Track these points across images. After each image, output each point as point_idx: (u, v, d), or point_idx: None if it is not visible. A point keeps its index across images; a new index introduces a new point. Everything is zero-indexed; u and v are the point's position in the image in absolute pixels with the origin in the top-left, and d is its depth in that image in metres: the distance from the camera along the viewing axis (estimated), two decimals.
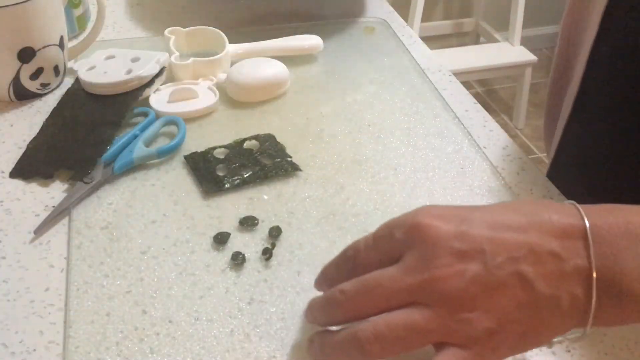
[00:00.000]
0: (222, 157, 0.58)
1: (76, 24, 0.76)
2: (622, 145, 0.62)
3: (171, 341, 0.43)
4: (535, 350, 0.43)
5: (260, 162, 0.57)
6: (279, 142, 0.60)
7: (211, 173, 0.56)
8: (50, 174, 0.56)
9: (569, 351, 0.43)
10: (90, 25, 0.76)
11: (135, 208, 0.53)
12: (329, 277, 0.42)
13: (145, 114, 0.62)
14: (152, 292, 0.46)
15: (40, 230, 0.50)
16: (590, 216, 0.36)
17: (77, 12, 0.76)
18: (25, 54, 0.62)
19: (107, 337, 0.43)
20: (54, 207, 0.53)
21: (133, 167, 0.57)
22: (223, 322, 0.44)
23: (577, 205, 0.37)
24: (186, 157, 0.58)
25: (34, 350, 0.42)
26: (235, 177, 0.55)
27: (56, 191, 0.55)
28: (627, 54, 0.60)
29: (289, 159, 0.58)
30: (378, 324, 0.36)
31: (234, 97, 0.66)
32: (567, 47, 0.68)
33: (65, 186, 0.55)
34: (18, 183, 0.56)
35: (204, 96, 0.65)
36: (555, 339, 0.38)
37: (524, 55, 2.23)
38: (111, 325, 0.44)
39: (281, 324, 0.44)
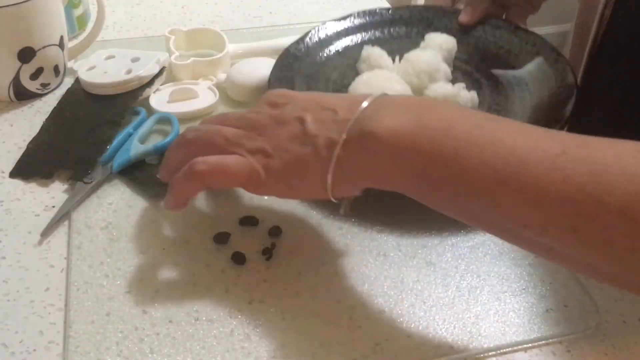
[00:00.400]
0: (156, 162, 0.57)
1: (76, 24, 0.76)
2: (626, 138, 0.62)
3: (171, 341, 0.43)
4: (535, 350, 0.43)
5: None
6: None
7: (152, 178, 0.55)
8: (50, 173, 0.56)
9: (569, 351, 0.43)
10: (90, 25, 0.76)
11: (135, 208, 0.53)
12: None
13: (137, 113, 0.62)
14: (152, 292, 0.46)
15: (46, 232, 0.50)
16: (380, 96, 0.43)
17: (77, 12, 0.76)
18: (25, 54, 0.63)
19: (107, 337, 0.43)
20: (54, 207, 0.53)
21: (133, 168, 0.57)
22: (223, 322, 0.44)
23: (384, 93, 0.44)
24: (120, 171, 0.56)
25: (34, 350, 0.42)
26: None
27: (56, 191, 0.55)
28: (630, 53, 0.60)
29: None
30: (201, 128, 0.48)
31: (234, 97, 0.66)
32: (578, 50, 0.68)
33: (65, 186, 0.55)
34: (18, 183, 0.56)
35: (204, 96, 0.65)
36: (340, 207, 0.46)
37: None
38: (111, 325, 0.44)
39: (281, 324, 0.44)
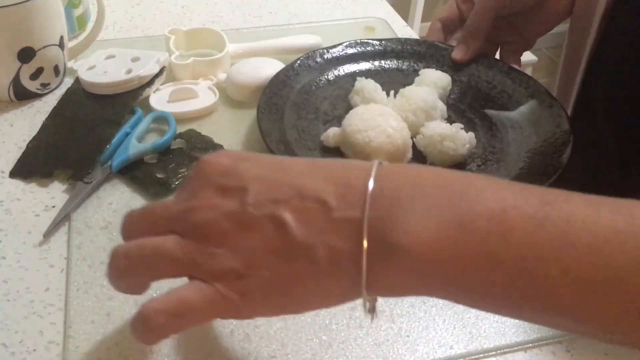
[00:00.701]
0: (154, 161, 0.58)
1: (76, 24, 0.76)
2: (626, 146, 0.62)
3: (171, 341, 0.43)
4: (535, 350, 0.43)
5: (194, 157, 0.58)
6: (203, 135, 0.61)
7: (151, 177, 0.56)
8: (50, 173, 0.56)
9: (568, 351, 0.43)
10: (90, 25, 0.76)
11: (135, 208, 0.53)
12: None
13: (133, 112, 0.62)
14: (152, 292, 0.46)
15: (49, 233, 0.50)
16: (380, 172, 0.33)
17: (77, 12, 0.76)
18: (25, 54, 0.62)
19: (107, 337, 0.43)
20: (54, 207, 0.53)
21: (132, 167, 0.57)
22: (223, 322, 0.44)
23: (379, 163, 0.34)
24: (119, 171, 0.56)
25: (34, 350, 0.42)
26: (178, 176, 0.56)
27: (56, 191, 0.55)
28: (629, 56, 0.60)
29: (220, 149, 0.59)
30: (130, 243, 0.36)
31: (234, 97, 0.66)
32: (572, 52, 0.68)
33: (65, 186, 0.55)
34: (18, 183, 0.56)
35: (204, 96, 0.65)
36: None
37: (524, 55, 2.22)
38: (111, 325, 0.44)
39: (281, 324, 0.44)
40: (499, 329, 0.44)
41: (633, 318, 0.29)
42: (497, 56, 0.72)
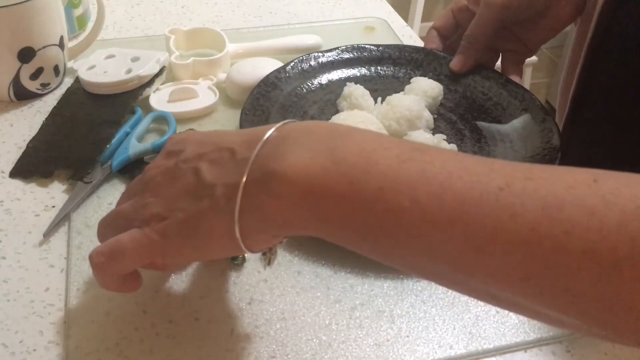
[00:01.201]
0: None
1: (76, 24, 0.76)
2: (623, 144, 0.62)
3: (171, 341, 0.43)
4: (535, 350, 0.43)
5: None
6: None
7: None
8: (49, 173, 0.56)
9: (569, 351, 0.43)
10: (90, 25, 0.76)
11: None
12: None
13: (133, 112, 0.62)
14: (152, 292, 0.46)
15: (49, 233, 0.50)
16: (285, 125, 0.36)
17: (77, 12, 0.76)
18: (25, 54, 0.62)
19: (107, 337, 0.43)
20: (53, 207, 0.53)
21: (132, 168, 0.57)
22: (223, 322, 0.44)
23: (292, 120, 0.38)
24: (119, 171, 0.56)
25: (34, 350, 0.42)
26: None
27: (56, 191, 0.55)
28: (628, 52, 0.60)
29: None
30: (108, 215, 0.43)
31: (234, 97, 0.66)
32: (576, 51, 0.68)
33: (65, 186, 0.55)
34: (18, 183, 0.56)
35: (204, 96, 0.65)
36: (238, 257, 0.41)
37: None
38: (111, 325, 0.44)
39: (281, 324, 0.44)
40: (499, 329, 0.44)
41: (471, 256, 0.30)
42: (498, 64, 0.71)
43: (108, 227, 0.41)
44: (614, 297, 0.28)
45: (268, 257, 0.42)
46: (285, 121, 0.37)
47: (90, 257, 0.39)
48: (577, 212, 0.29)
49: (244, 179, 0.34)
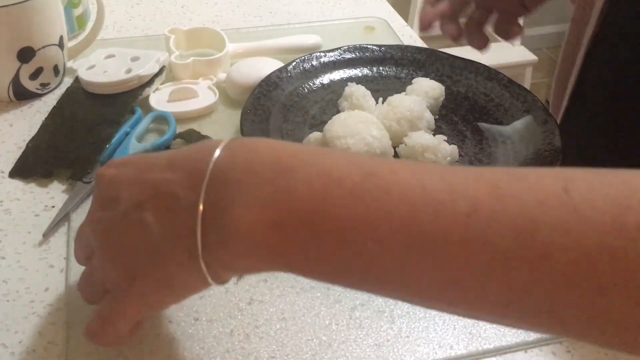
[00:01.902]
0: None
1: (76, 23, 0.76)
2: (619, 140, 0.62)
3: (171, 341, 0.43)
4: (535, 351, 0.43)
5: None
6: (203, 134, 0.60)
7: None
8: (49, 173, 0.56)
9: (569, 351, 0.43)
10: (90, 25, 0.76)
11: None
12: None
13: (132, 111, 0.62)
14: None
15: (49, 233, 0.50)
16: (223, 151, 0.33)
17: (77, 11, 0.76)
18: (25, 54, 0.62)
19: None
20: (53, 207, 0.53)
21: None
22: (223, 322, 0.44)
23: (229, 141, 0.34)
24: None
25: (34, 350, 0.42)
26: None
27: (55, 191, 0.55)
28: (626, 49, 0.60)
29: None
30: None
31: (234, 97, 0.66)
32: (572, 45, 0.68)
33: (65, 186, 0.55)
34: (18, 183, 0.56)
35: (204, 96, 0.65)
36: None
37: (524, 55, 2.23)
38: None
39: (281, 324, 0.44)
40: (499, 329, 0.44)
41: (447, 288, 0.29)
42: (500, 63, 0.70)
43: (87, 286, 0.41)
44: (599, 315, 0.27)
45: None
46: (220, 147, 0.33)
47: (88, 338, 0.38)
48: (552, 234, 0.27)
49: (199, 237, 0.32)
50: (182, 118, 0.62)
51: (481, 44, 0.64)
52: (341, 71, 0.68)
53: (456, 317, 0.45)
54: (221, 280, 0.35)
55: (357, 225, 0.30)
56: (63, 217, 0.51)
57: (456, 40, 0.65)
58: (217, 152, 0.33)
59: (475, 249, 0.28)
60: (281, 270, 0.33)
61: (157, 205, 0.34)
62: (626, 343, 0.28)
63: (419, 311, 0.45)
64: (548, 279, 0.27)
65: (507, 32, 0.65)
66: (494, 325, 0.44)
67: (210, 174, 0.32)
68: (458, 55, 0.70)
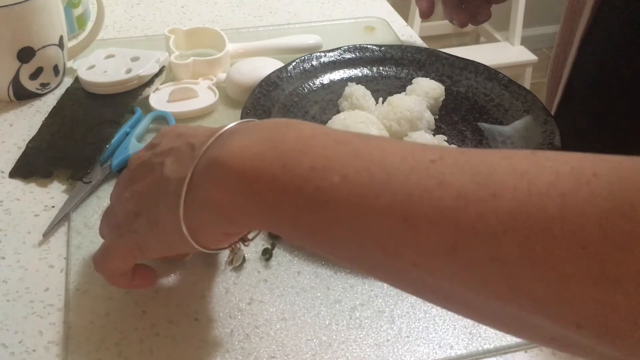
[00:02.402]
0: None
1: (76, 23, 0.76)
2: (607, 140, 0.62)
3: (171, 341, 0.43)
4: (536, 351, 0.43)
5: None
6: None
7: None
8: (49, 173, 0.56)
9: None
10: (89, 25, 0.76)
11: None
12: None
13: (132, 111, 0.62)
14: (152, 292, 0.46)
15: (49, 233, 0.50)
16: (240, 123, 0.37)
17: (77, 11, 0.76)
18: (25, 54, 0.62)
19: (107, 337, 0.43)
20: (53, 207, 0.53)
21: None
22: (223, 322, 0.44)
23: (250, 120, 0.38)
24: (119, 171, 0.56)
25: (34, 350, 0.42)
26: None
27: (55, 191, 0.55)
28: (615, 50, 0.60)
29: None
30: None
31: (234, 97, 0.66)
32: (564, 45, 0.69)
33: (65, 186, 0.55)
34: (17, 183, 0.56)
35: (204, 96, 0.65)
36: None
37: (524, 55, 2.23)
38: (111, 325, 0.43)
39: (281, 324, 0.44)
40: None
41: (397, 229, 0.29)
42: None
43: (103, 223, 0.44)
44: (542, 261, 0.25)
45: (231, 257, 0.44)
46: (246, 120, 0.38)
47: (93, 266, 0.42)
48: (508, 176, 0.27)
49: (189, 173, 0.35)
50: (182, 118, 0.62)
51: (460, 19, 0.65)
52: (341, 71, 0.68)
53: (456, 317, 0.45)
54: (198, 237, 0.36)
55: (329, 163, 0.31)
56: (63, 217, 0.51)
57: (426, 17, 0.67)
58: (243, 120, 0.37)
59: (430, 188, 0.28)
60: (254, 221, 0.35)
61: (178, 152, 0.38)
62: (573, 305, 0.26)
63: (419, 311, 0.45)
64: (495, 217, 0.27)
65: (475, 13, 0.67)
66: None
67: (225, 130, 0.36)
68: (458, 55, 0.70)
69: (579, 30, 0.64)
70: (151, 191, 0.38)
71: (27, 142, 0.59)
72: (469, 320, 0.45)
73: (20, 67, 0.63)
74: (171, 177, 0.36)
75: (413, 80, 0.65)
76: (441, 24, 2.48)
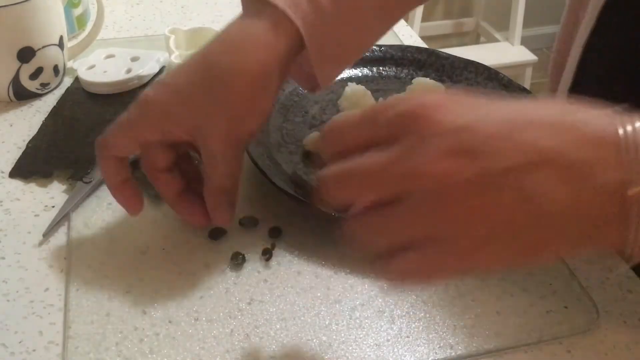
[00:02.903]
0: None
1: (76, 23, 0.76)
2: None
3: (171, 341, 0.43)
4: (536, 351, 0.43)
5: (193, 157, 0.57)
6: None
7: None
8: (49, 173, 0.56)
9: (569, 351, 0.43)
10: (89, 25, 0.76)
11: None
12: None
13: None
14: (152, 292, 0.46)
15: (49, 233, 0.50)
16: (627, 121, 0.30)
17: (77, 11, 0.76)
18: (25, 54, 0.62)
19: (107, 337, 0.43)
20: (53, 207, 0.53)
21: (132, 168, 0.56)
22: (223, 322, 0.44)
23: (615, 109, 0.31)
24: None
25: (34, 350, 0.42)
26: None
27: (55, 191, 0.55)
28: (621, 51, 0.60)
29: None
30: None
31: None
32: (564, 44, 0.68)
33: (65, 186, 0.55)
34: (17, 183, 0.56)
35: None
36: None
37: (524, 55, 2.23)
38: (111, 325, 0.43)
39: (281, 324, 0.44)
40: (499, 329, 0.44)
41: None
42: None
43: (375, 233, 0.33)
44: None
45: None
46: (624, 120, 0.30)
47: (391, 271, 0.34)
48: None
49: (635, 223, 0.29)
50: None
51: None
52: None
53: (456, 317, 0.45)
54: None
55: None
56: (63, 217, 0.51)
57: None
58: (623, 123, 0.30)
59: None
60: None
61: (549, 174, 0.30)
62: None
63: (418, 311, 0.45)
64: None
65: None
66: (494, 325, 0.44)
67: (626, 149, 0.29)
68: (458, 55, 0.70)
69: (580, 32, 0.64)
70: (516, 226, 0.30)
71: (27, 142, 0.59)
72: (468, 320, 0.45)
73: (20, 67, 0.63)
74: (570, 215, 0.30)
75: (413, 80, 0.65)
76: (441, 24, 2.49)
